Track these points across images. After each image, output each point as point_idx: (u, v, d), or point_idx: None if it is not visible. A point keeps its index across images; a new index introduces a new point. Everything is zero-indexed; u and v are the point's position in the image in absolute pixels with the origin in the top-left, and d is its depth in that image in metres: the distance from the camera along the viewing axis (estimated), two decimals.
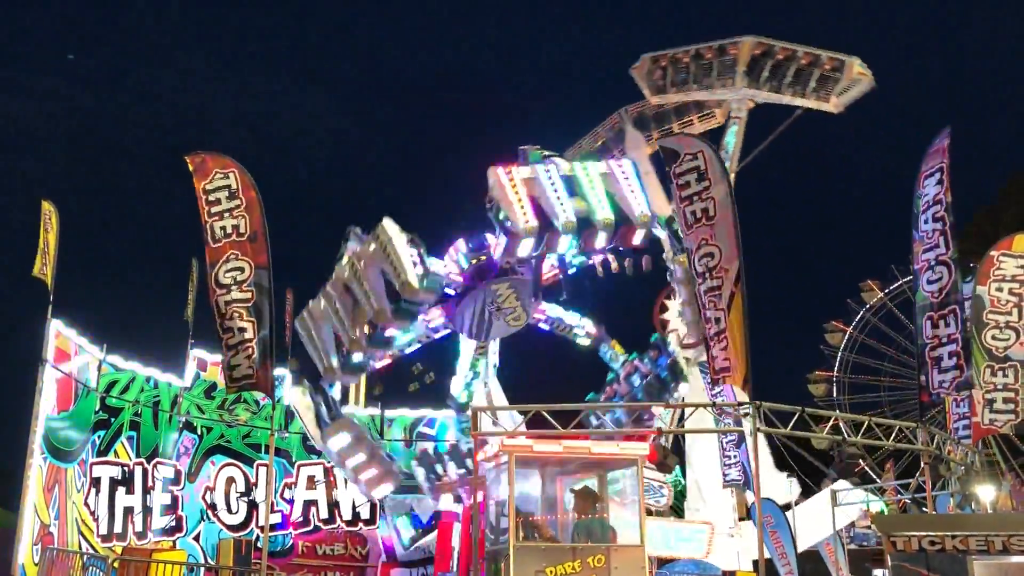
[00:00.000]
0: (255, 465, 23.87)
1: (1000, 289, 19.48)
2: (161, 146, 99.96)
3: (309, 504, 24.29)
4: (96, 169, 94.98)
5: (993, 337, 19.29)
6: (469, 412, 16.43)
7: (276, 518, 23.23)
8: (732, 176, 38.52)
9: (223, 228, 15.77)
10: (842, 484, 29.81)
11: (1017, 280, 19.59)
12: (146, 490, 21.76)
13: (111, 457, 21.11)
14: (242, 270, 15.58)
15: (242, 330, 15.37)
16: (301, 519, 24.10)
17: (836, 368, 43.69)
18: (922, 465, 18.04)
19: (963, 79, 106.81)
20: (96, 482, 20.60)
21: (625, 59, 40.36)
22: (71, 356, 19.21)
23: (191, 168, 16.21)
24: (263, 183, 16.48)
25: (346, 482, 24.54)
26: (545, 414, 15.29)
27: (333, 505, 24.39)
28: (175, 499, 22.53)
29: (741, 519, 32.96)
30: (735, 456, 26.15)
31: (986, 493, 24.17)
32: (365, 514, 24.59)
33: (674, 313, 27.68)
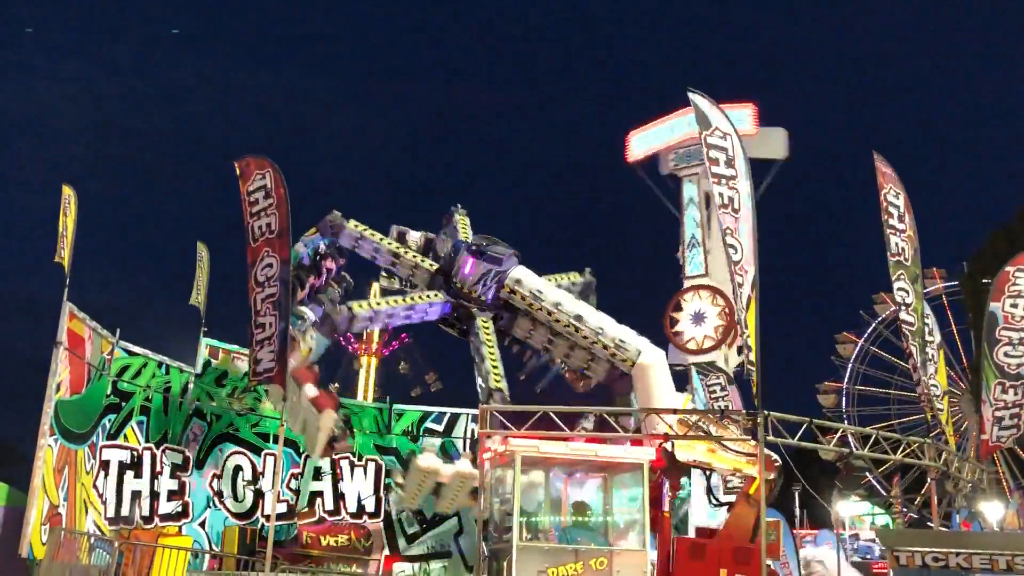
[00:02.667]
0: (263, 454, 23.98)
1: (1015, 305, 18.98)
2: (181, 134, 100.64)
3: (315, 495, 24.40)
4: (116, 155, 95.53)
5: (1005, 354, 18.87)
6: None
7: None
8: None
9: (260, 227, 15.99)
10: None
11: None
12: (154, 475, 21.90)
13: (121, 441, 21.25)
14: (271, 266, 15.78)
15: (269, 325, 15.54)
16: (306, 509, 24.20)
17: (846, 379, 43.52)
18: (929, 481, 17.96)
19: (980, 102, 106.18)
20: (105, 465, 20.72)
21: None
22: (85, 339, 19.34)
23: (238, 172, 16.39)
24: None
25: (352, 474, 24.71)
26: (553, 415, 15.31)
27: (338, 497, 24.50)
28: (182, 485, 22.66)
29: None
30: None
31: (993, 511, 24.02)
32: (370, 507, 24.68)
33: (686, 318, 27.54)
